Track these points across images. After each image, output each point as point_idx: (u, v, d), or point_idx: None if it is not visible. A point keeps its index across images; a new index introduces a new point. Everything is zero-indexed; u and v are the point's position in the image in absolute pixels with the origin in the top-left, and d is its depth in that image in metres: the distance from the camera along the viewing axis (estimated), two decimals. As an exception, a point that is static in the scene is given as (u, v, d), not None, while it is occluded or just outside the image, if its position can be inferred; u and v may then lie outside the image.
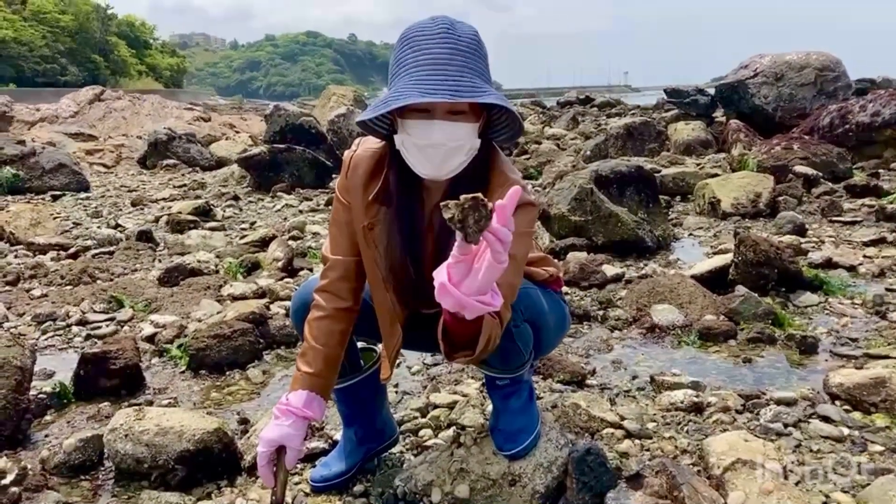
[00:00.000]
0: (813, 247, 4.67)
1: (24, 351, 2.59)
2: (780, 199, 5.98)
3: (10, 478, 2.01)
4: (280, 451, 1.82)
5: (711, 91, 11.98)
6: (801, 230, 5.04)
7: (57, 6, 54.12)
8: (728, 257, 3.88)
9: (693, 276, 3.81)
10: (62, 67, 50.88)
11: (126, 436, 2.23)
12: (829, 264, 4.19)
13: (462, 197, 1.23)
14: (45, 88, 35.82)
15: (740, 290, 3.43)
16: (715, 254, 4.57)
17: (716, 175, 7.00)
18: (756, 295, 3.38)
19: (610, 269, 4.24)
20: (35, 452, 2.37)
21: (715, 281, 3.78)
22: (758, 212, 5.80)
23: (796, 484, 1.95)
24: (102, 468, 2.33)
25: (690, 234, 5.50)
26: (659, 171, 7.07)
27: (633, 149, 9.51)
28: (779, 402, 2.48)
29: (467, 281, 1.33)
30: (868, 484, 1.93)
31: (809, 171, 6.76)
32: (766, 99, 10.04)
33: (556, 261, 2.04)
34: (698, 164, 8.56)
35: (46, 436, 2.58)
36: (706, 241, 5.25)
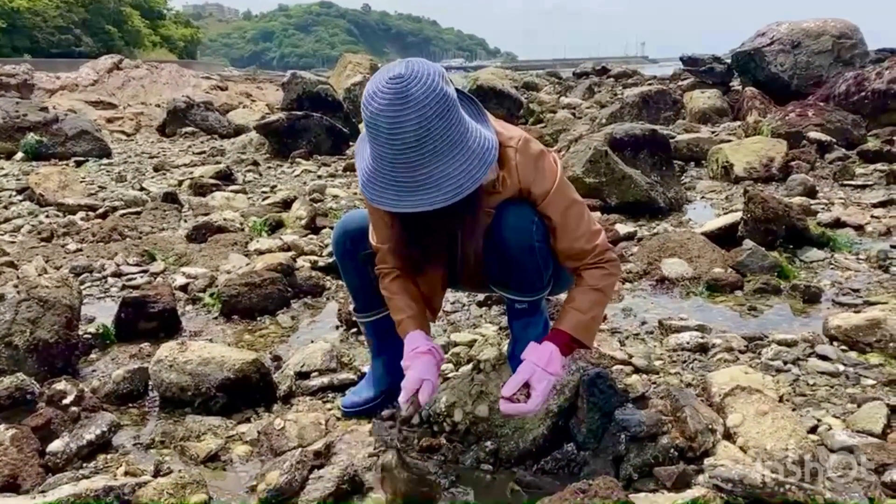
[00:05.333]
0: (822, 208, 4.78)
1: (72, 291, 2.78)
2: (793, 163, 6.07)
3: (70, 398, 2.20)
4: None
5: (729, 60, 11.98)
6: (811, 192, 5.15)
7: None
8: (737, 215, 4.00)
9: (703, 234, 3.94)
10: (76, 38, 50.98)
11: (171, 366, 2.42)
12: (836, 224, 4.31)
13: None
14: (60, 59, 35.98)
15: (748, 244, 3.57)
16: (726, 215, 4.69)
17: (729, 141, 7.08)
18: (763, 249, 3.51)
19: (623, 228, 4.38)
20: (86, 384, 2.56)
21: (724, 238, 3.91)
22: (770, 176, 5.90)
23: (792, 410, 2.11)
24: (148, 397, 2.53)
25: (702, 197, 5.61)
26: (673, 137, 7.16)
27: (648, 117, 9.57)
28: (780, 342, 2.63)
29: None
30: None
31: (823, 137, 6.83)
32: (783, 67, 10.05)
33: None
34: (713, 132, 8.63)
35: (93, 371, 2.78)
36: (718, 203, 5.36)
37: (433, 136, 1.60)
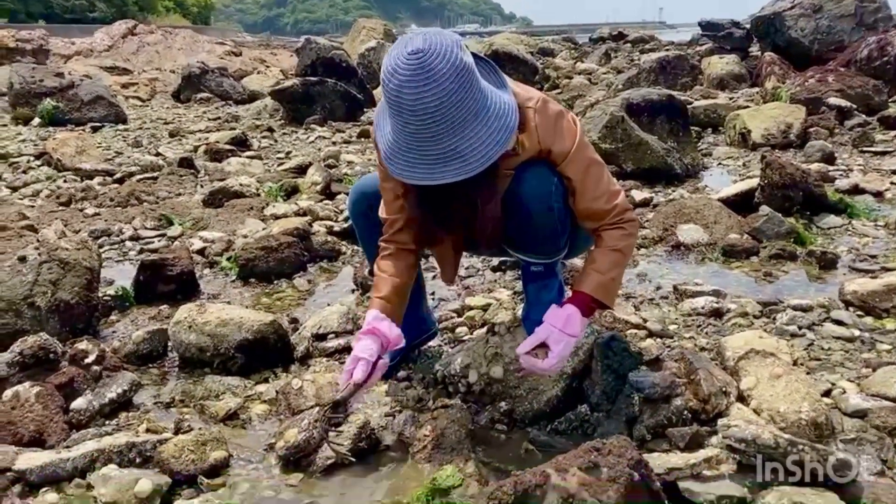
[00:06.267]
0: (841, 174, 4.73)
1: (92, 254, 2.81)
2: (812, 130, 5.99)
3: (91, 358, 2.24)
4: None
5: (748, 25, 11.77)
6: (829, 158, 5.09)
7: (84, -61, 53.70)
8: (754, 182, 3.97)
9: (719, 200, 3.92)
10: (90, 3, 50.74)
11: (189, 327, 2.45)
12: (855, 190, 4.27)
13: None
14: (75, 25, 35.88)
15: (764, 210, 3.55)
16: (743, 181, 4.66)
17: (747, 107, 6.99)
18: (780, 215, 3.49)
19: (639, 194, 4.36)
20: (106, 344, 2.60)
21: (741, 204, 3.89)
22: (788, 142, 5.83)
23: (806, 374, 2.11)
24: (167, 358, 2.58)
25: (719, 164, 5.57)
26: (690, 103, 7.08)
27: (665, 83, 9.43)
28: (795, 308, 2.63)
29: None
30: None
31: (843, 103, 6.72)
32: (803, 31, 9.86)
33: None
34: (731, 98, 8.52)
35: (114, 332, 2.82)
36: (735, 169, 5.32)
37: (455, 109, 1.61)
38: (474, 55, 1.75)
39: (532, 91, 1.93)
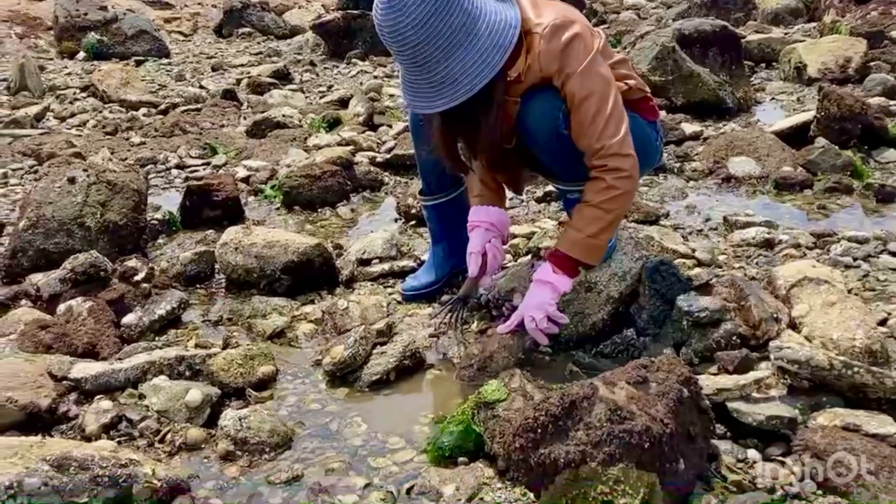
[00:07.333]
0: (902, 109, 4.53)
1: (139, 177, 2.84)
2: (872, 64, 5.72)
3: (141, 275, 2.28)
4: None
5: (806, -43, 11.22)
6: (891, 92, 4.85)
7: None
8: (810, 114, 3.83)
9: (773, 132, 3.79)
10: (133, -61, 50.53)
11: (236, 249, 2.48)
12: (917, 125, 4.09)
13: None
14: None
15: (820, 141, 3.42)
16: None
17: (803, 41, 6.71)
18: (836, 147, 3.37)
19: (689, 127, 4.24)
20: (155, 264, 2.64)
21: (795, 137, 3.75)
22: (846, 77, 5.58)
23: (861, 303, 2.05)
24: (214, 279, 2.61)
25: (773, 99, 5.37)
26: (744, 37, 6.82)
27: (717, 18, 9.10)
28: (850, 239, 2.55)
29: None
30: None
31: (906, 36, 6.42)
32: (866, -37, 9.37)
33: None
34: (786, 34, 8.18)
35: (161, 254, 2.86)
36: (789, 105, 5.13)
37: (435, 36, 1.65)
38: None
39: (548, 14, 1.82)
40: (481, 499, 1.48)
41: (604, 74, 1.84)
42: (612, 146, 1.80)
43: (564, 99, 1.82)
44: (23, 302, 2.37)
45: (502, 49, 1.69)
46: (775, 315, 1.89)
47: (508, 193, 2.27)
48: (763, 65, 6.65)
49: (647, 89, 2.08)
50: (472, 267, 2.02)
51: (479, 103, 1.74)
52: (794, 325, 1.92)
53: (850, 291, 2.12)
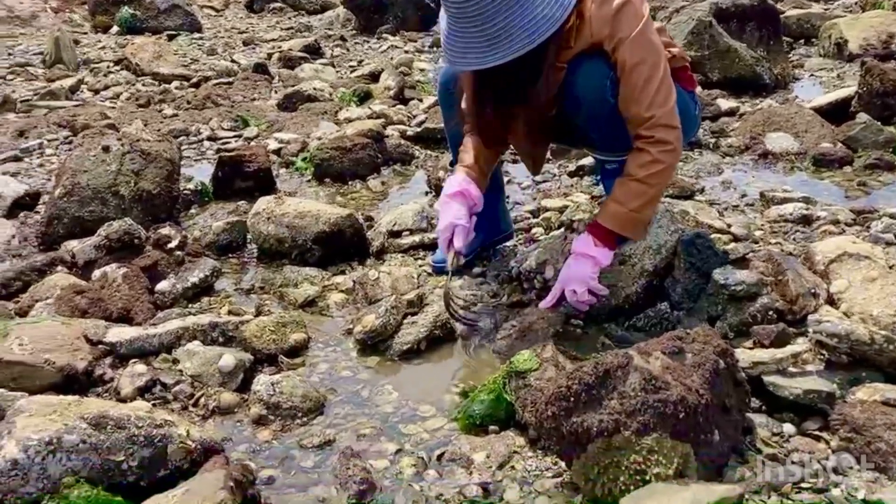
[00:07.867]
0: (947, 86, 4.40)
1: (172, 146, 2.86)
2: (916, 40, 5.58)
3: (174, 243, 2.30)
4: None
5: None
6: (935, 69, 4.73)
7: None
8: (851, 90, 3.74)
9: (812, 108, 3.70)
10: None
11: (268, 218, 2.48)
12: (962, 102, 3.97)
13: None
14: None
15: (861, 117, 3.34)
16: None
17: (844, 17, 6.54)
18: (878, 123, 3.28)
19: (725, 103, 4.16)
20: (188, 233, 2.66)
21: (835, 113, 3.67)
22: (889, 53, 5.42)
23: (902, 281, 2.01)
24: (246, 249, 2.63)
25: (811, 75, 5.25)
26: (783, 13, 6.66)
27: (754, -7, 8.91)
28: (892, 216, 2.49)
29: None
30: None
31: (953, 12, 6.23)
32: (912, -63, 9.09)
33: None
34: (826, 9, 7.99)
35: (194, 224, 2.88)
36: (828, 81, 5.01)
37: None
38: None
39: None
40: (512, 467, 1.48)
41: (655, 42, 1.82)
42: (661, 116, 1.79)
43: (614, 66, 1.79)
44: (59, 268, 2.40)
45: (563, 5, 1.65)
46: (813, 290, 1.86)
47: (520, 176, 2.25)
48: (802, 41, 6.50)
49: (688, 58, 2.04)
50: (459, 242, 1.94)
51: (528, 66, 1.70)
52: (832, 301, 1.88)
53: (891, 268, 2.07)
